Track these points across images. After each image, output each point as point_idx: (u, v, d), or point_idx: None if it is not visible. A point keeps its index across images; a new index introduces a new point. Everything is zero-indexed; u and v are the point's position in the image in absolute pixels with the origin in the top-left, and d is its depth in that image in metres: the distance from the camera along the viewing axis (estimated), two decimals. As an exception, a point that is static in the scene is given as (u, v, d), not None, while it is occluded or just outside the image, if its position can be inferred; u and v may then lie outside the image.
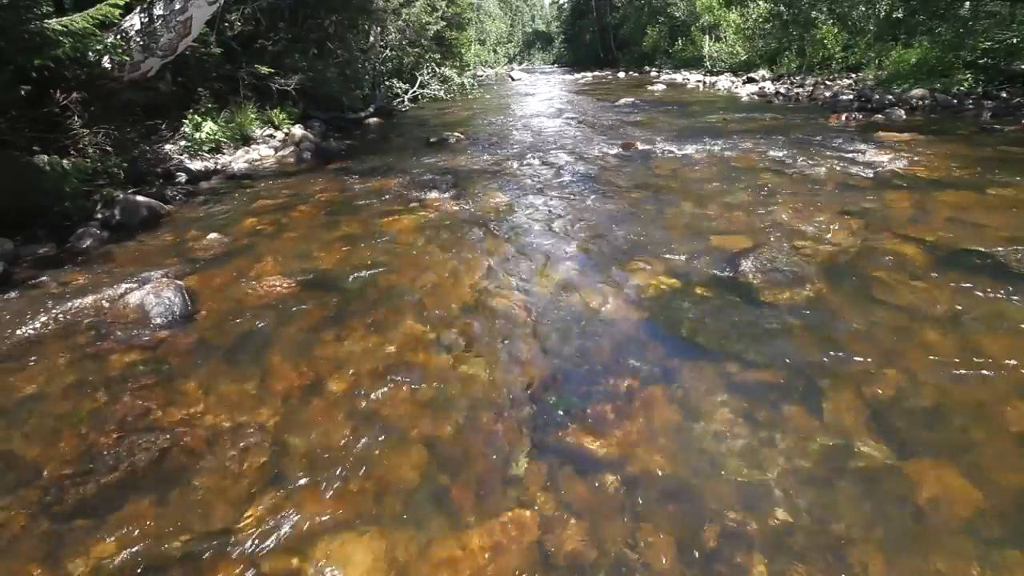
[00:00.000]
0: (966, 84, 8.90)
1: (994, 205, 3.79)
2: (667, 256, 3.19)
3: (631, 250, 3.33)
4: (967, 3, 9.81)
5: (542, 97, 15.36)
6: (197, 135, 6.29)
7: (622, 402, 1.97)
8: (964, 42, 9.30)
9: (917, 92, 9.18)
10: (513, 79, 25.53)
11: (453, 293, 2.87)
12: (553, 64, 50.97)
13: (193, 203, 4.81)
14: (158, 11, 5.26)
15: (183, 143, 6.20)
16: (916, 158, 5.25)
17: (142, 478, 1.69)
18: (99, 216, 4.02)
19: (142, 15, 5.24)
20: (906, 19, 12.12)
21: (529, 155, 6.42)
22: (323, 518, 1.53)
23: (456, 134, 7.94)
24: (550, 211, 4.20)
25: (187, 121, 6.32)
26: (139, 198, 4.32)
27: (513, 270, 3.12)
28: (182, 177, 5.44)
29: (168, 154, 5.91)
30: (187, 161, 5.93)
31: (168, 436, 1.86)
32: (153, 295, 2.70)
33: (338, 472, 1.69)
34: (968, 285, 2.64)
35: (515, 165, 5.95)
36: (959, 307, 2.45)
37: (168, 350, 2.40)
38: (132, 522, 1.53)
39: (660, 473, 1.64)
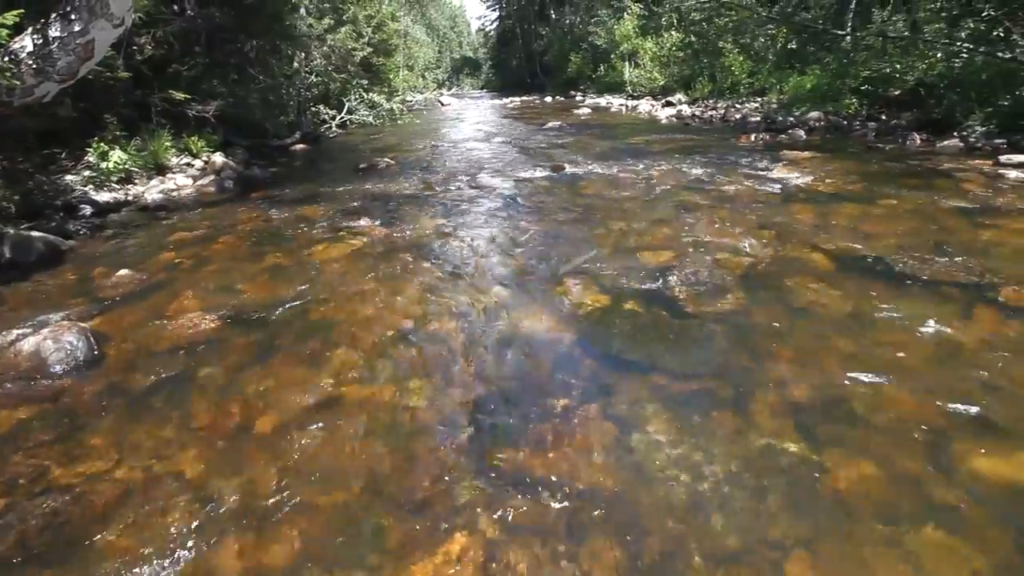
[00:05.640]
0: (852, 108, 9.92)
1: (882, 216, 4.22)
2: (597, 274, 3.29)
3: (562, 270, 3.41)
4: (848, 38, 10.99)
5: (472, 121, 15.56)
6: (104, 164, 5.85)
7: (559, 420, 1.99)
8: (848, 70, 10.40)
9: (814, 114, 10.13)
10: (443, 104, 25.69)
11: (386, 321, 2.81)
12: (482, 89, 51.84)
13: (100, 237, 4.45)
14: (54, 32, 4.89)
15: (87, 173, 5.74)
16: (816, 174, 5.77)
17: (36, 549, 1.51)
18: (-15, 255, 3.63)
19: (35, 36, 4.84)
20: (799, 50, 13.39)
21: (460, 179, 6.47)
22: (256, 571, 1.43)
23: (386, 159, 7.87)
24: (482, 234, 4.23)
25: (92, 149, 5.87)
26: (34, 233, 3.94)
27: (446, 295, 3.10)
28: (87, 210, 5.02)
29: (69, 185, 5.45)
30: (92, 192, 5.49)
31: (69, 497, 1.68)
32: (51, 340, 2.45)
33: (270, 519, 1.58)
34: (866, 289, 2.91)
35: (446, 189, 5.96)
36: (859, 309, 2.69)
37: (70, 401, 2.18)
38: (26, 599, 1.36)
39: (600, 488, 1.66)
